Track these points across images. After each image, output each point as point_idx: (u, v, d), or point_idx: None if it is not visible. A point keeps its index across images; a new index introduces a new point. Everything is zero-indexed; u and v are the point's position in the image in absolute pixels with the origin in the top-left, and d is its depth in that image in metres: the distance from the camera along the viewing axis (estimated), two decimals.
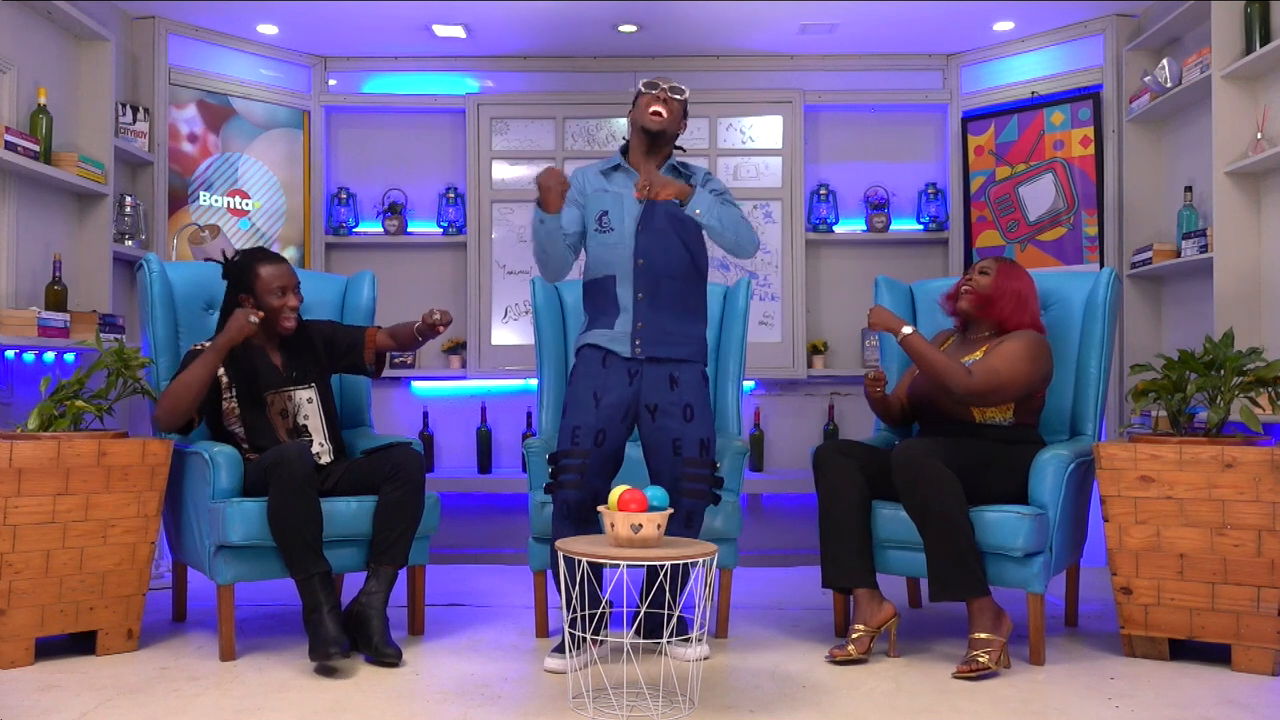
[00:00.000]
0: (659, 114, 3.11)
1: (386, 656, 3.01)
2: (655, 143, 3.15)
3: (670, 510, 2.69)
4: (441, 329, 3.30)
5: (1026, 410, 3.27)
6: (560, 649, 2.99)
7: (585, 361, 3.16)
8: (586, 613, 2.99)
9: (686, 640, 3.12)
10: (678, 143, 3.25)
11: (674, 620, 2.99)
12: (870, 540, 3.19)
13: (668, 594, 2.96)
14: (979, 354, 3.26)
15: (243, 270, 3.30)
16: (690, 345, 3.17)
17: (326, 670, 2.93)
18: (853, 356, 5.35)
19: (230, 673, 2.96)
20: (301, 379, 3.35)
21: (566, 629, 2.81)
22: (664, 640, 2.88)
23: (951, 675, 2.95)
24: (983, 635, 2.98)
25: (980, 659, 2.93)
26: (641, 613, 2.99)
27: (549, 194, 3.01)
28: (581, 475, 3.05)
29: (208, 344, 3.26)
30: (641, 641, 2.94)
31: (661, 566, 2.89)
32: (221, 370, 3.25)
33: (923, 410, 3.39)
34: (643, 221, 3.11)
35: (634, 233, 3.11)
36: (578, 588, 2.74)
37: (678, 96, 3.15)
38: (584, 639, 2.94)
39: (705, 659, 3.08)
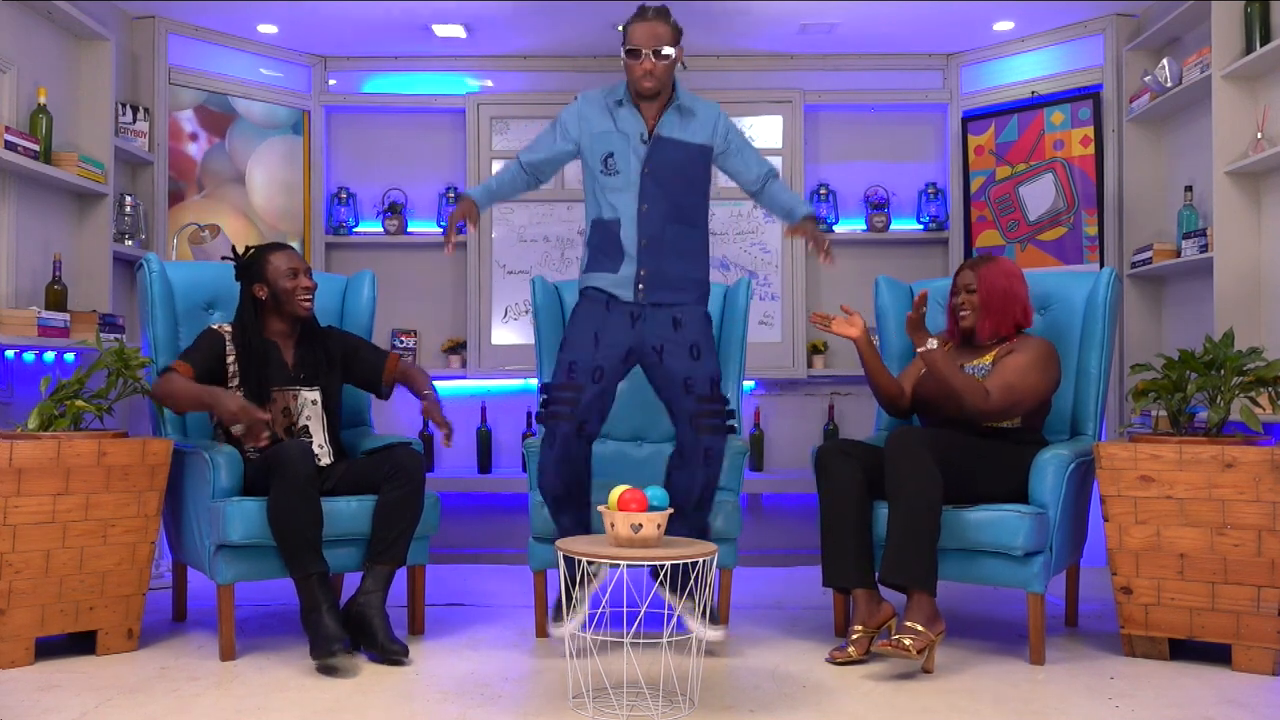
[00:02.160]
0: (650, 81, 3.09)
1: (393, 653, 3.01)
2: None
3: (670, 510, 2.69)
4: (440, 427, 3.32)
5: (1034, 414, 3.27)
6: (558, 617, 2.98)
7: (588, 302, 3.18)
8: (573, 592, 2.93)
9: (715, 624, 3.06)
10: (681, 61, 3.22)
11: (674, 619, 2.98)
12: (870, 541, 3.18)
13: (702, 586, 2.88)
14: (988, 359, 3.27)
15: (253, 261, 3.32)
16: (693, 290, 3.19)
17: (328, 669, 2.93)
18: (853, 356, 5.28)
19: (230, 673, 2.96)
20: (310, 380, 3.35)
21: (564, 591, 2.74)
22: (664, 640, 2.87)
23: (875, 647, 2.97)
24: (915, 625, 2.93)
25: (905, 641, 2.87)
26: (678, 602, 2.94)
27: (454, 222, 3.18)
28: (574, 409, 3.06)
29: (228, 328, 3.30)
30: (641, 641, 2.93)
31: (661, 566, 2.89)
32: (231, 358, 3.27)
33: (927, 410, 3.39)
34: (649, 165, 3.12)
35: (639, 176, 3.12)
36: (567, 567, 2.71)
37: (664, 60, 3.09)
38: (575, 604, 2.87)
39: (719, 640, 3.06)
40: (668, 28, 3.10)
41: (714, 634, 3.00)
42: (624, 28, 3.14)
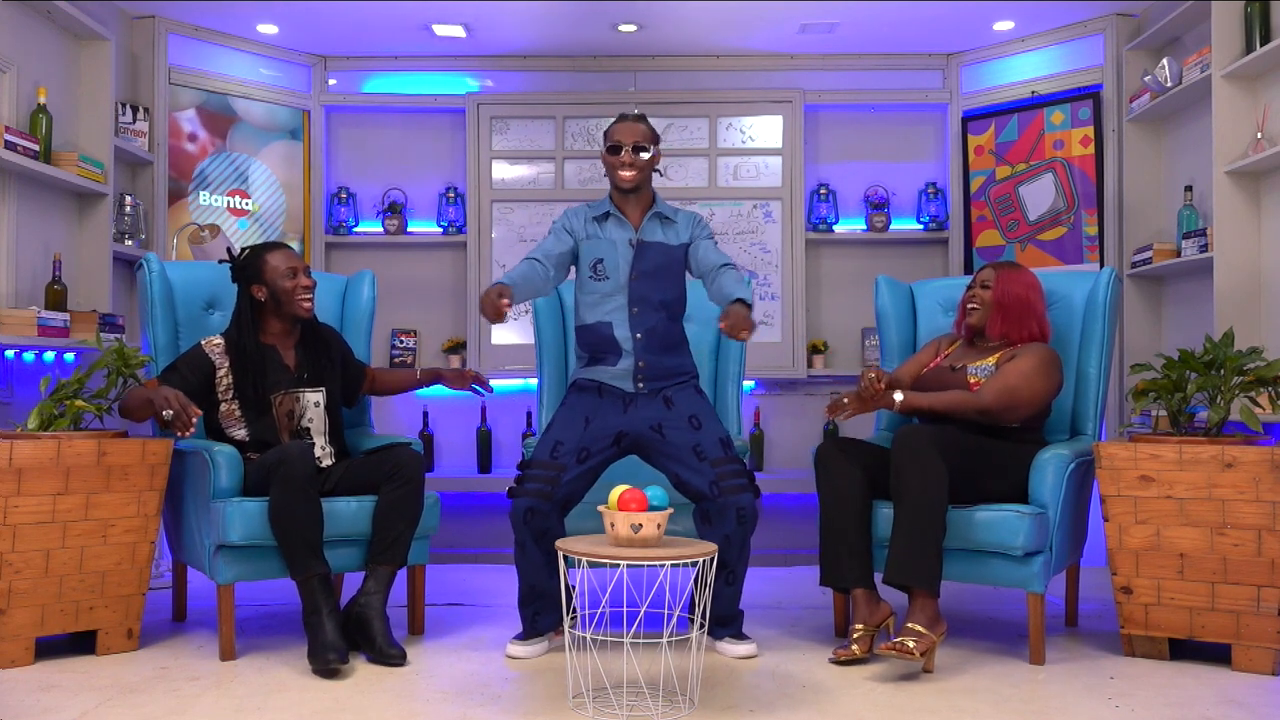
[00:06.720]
0: (629, 173, 3.18)
1: (390, 657, 3.01)
2: (634, 192, 3.23)
3: (670, 509, 2.69)
4: (475, 387, 3.53)
5: (1034, 416, 3.27)
6: (521, 636, 3.14)
7: (578, 391, 3.24)
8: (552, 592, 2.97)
9: (741, 638, 3.17)
10: (658, 167, 3.29)
11: (674, 619, 2.98)
12: (870, 540, 3.18)
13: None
14: (992, 360, 3.27)
15: (250, 262, 3.30)
16: (682, 375, 3.26)
17: (326, 673, 2.93)
18: (853, 356, 5.35)
19: (230, 673, 2.96)
20: (314, 381, 3.34)
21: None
22: (664, 640, 2.87)
23: (877, 649, 2.98)
24: (917, 627, 2.94)
25: (909, 643, 2.88)
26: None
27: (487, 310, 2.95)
28: (552, 487, 3.07)
29: (218, 341, 3.28)
30: (641, 641, 2.93)
31: (662, 566, 2.88)
32: (224, 371, 3.25)
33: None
34: (636, 269, 3.19)
35: (628, 279, 3.18)
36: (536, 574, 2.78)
37: (644, 155, 3.18)
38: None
39: (751, 656, 3.12)
40: (646, 128, 3.23)
41: (742, 650, 3.10)
42: (606, 131, 3.24)
